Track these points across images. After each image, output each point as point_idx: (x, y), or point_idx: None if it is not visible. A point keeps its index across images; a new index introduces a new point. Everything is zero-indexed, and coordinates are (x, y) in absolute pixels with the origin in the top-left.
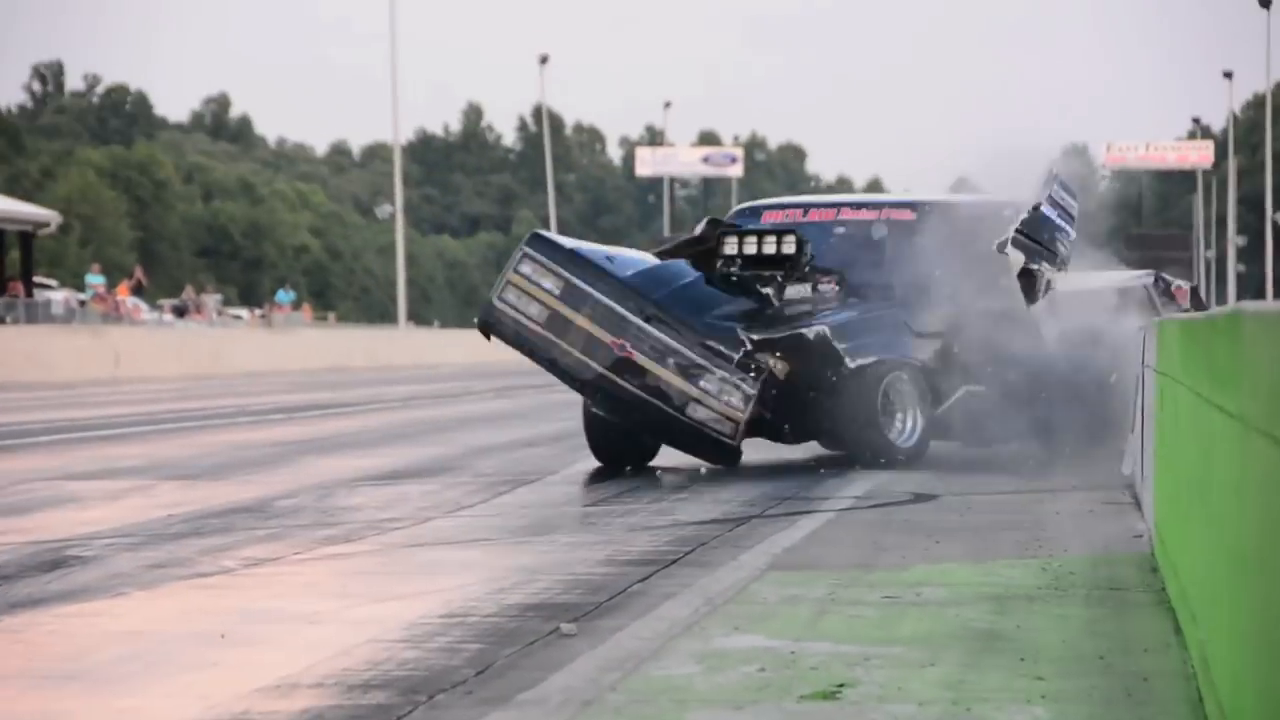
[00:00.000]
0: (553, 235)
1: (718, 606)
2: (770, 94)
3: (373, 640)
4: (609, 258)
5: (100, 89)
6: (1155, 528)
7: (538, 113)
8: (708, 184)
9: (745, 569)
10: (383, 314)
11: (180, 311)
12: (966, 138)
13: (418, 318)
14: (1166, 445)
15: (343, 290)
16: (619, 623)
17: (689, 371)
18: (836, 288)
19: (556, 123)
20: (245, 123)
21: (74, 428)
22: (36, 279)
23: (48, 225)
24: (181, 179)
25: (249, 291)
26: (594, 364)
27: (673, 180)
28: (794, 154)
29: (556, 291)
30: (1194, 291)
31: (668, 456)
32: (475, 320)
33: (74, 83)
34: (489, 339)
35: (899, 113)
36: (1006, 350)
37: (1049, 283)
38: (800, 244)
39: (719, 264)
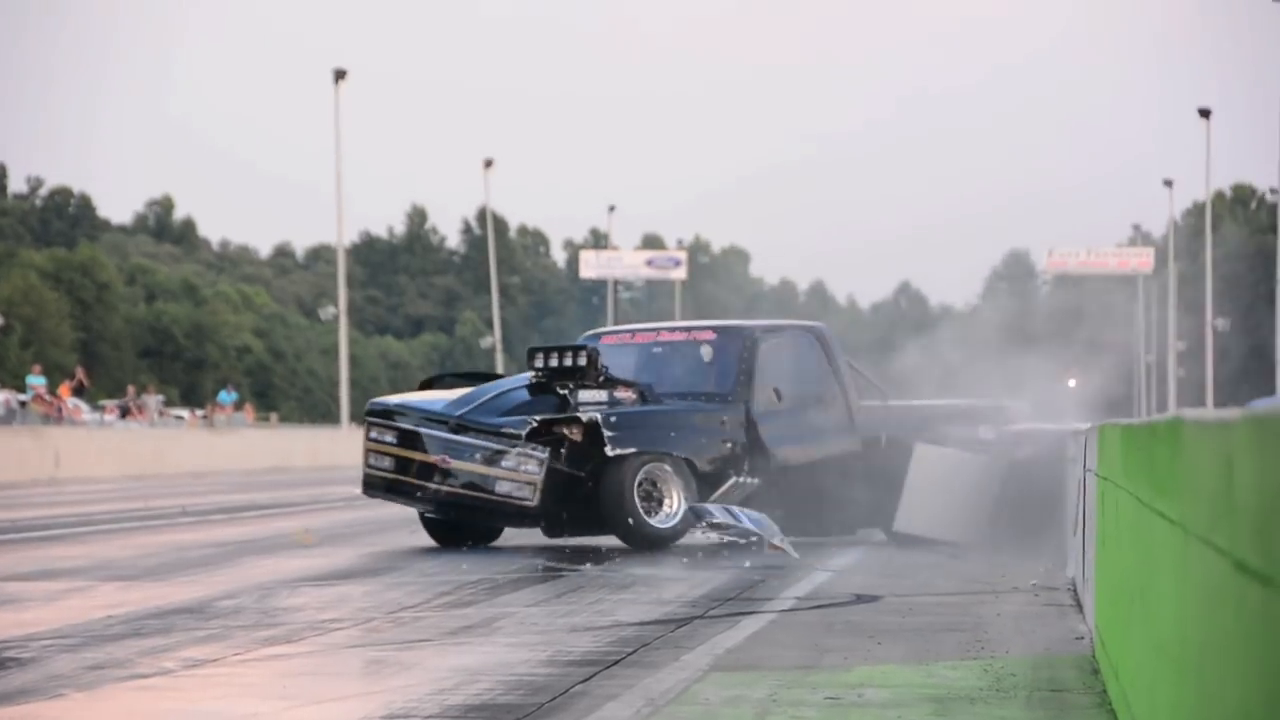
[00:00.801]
0: (383, 400)
1: (660, 707)
2: (714, 198)
3: None
4: (430, 400)
5: (43, 191)
6: (1096, 630)
7: (482, 215)
8: (651, 286)
9: (688, 669)
10: (325, 414)
11: (124, 412)
12: (910, 243)
13: (360, 418)
14: (1107, 549)
15: (285, 390)
16: None
17: (492, 458)
18: (634, 396)
19: (501, 225)
20: (189, 225)
21: (13, 528)
22: None
23: None
24: (124, 280)
25: (191, 392)
26: (431, 486)
27: (616, 282)
28: (737, 257)
29: (394, 440)
30: None
31: (615, 549)
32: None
33: (16, 185)
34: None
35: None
36: (779, 448)
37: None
38: (591, 358)
39: (533, 375)
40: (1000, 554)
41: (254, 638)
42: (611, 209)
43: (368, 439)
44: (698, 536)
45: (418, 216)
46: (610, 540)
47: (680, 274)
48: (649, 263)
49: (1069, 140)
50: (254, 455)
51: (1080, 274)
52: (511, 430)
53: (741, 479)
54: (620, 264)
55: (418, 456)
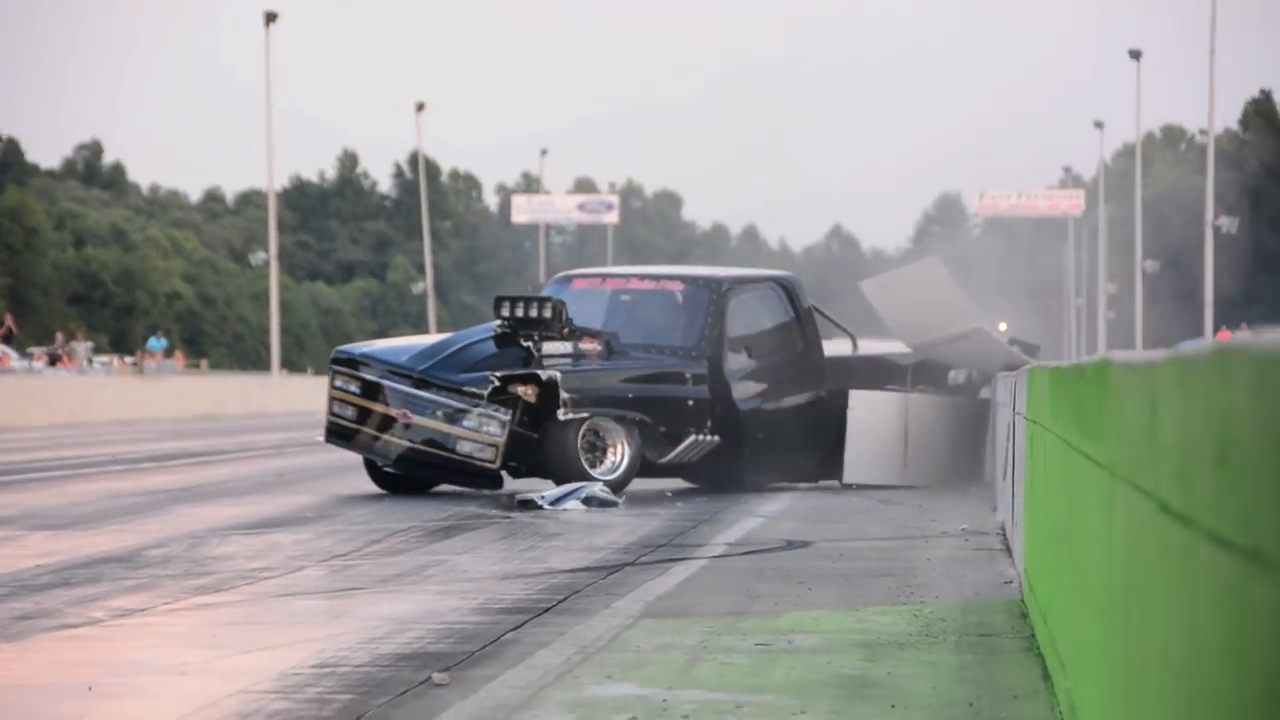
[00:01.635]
0: (348, 347)
1: (590, 655)
2: (647, 141)
3: (242, 691)
4: (395, 349)
5: None
6: (1025, 574)
7: (414, 159)
8: (584, 231)
9: (619, 616)
10: (256, 361)
11: (53, 359)
12: (842, 186)
13: (291, 365)
14: (1036, 492)
15: (216, 337)
16: (491, 672)
17: (454, 416)
18: (599, 347)
19: (433, 169)
20: (118, 169)
21: None
22: None
23: None
24: (53, 226)
25: (121, 339)
26: (393, 439)
27: (549, 227)
28: (670, 201)
29: (357, 390)
30: (1025, 349)
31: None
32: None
33: None
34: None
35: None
36: (746, 403)
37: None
38: (556, 310)
39: (499, 325)
40: (949, 496)
41: (183, 587)
42: (544, 152)
43: (332, 387)
44: (638, 484)
45: (349, 161)
46: (549, 484)
47: (613, 218)
48: (581, 207)
49: (1000, 80)
50: (184, 403)
51: (1011, 217)
52: (473, 389)
53: (701, 436)
54: (552, 208)
55: (379, 409)
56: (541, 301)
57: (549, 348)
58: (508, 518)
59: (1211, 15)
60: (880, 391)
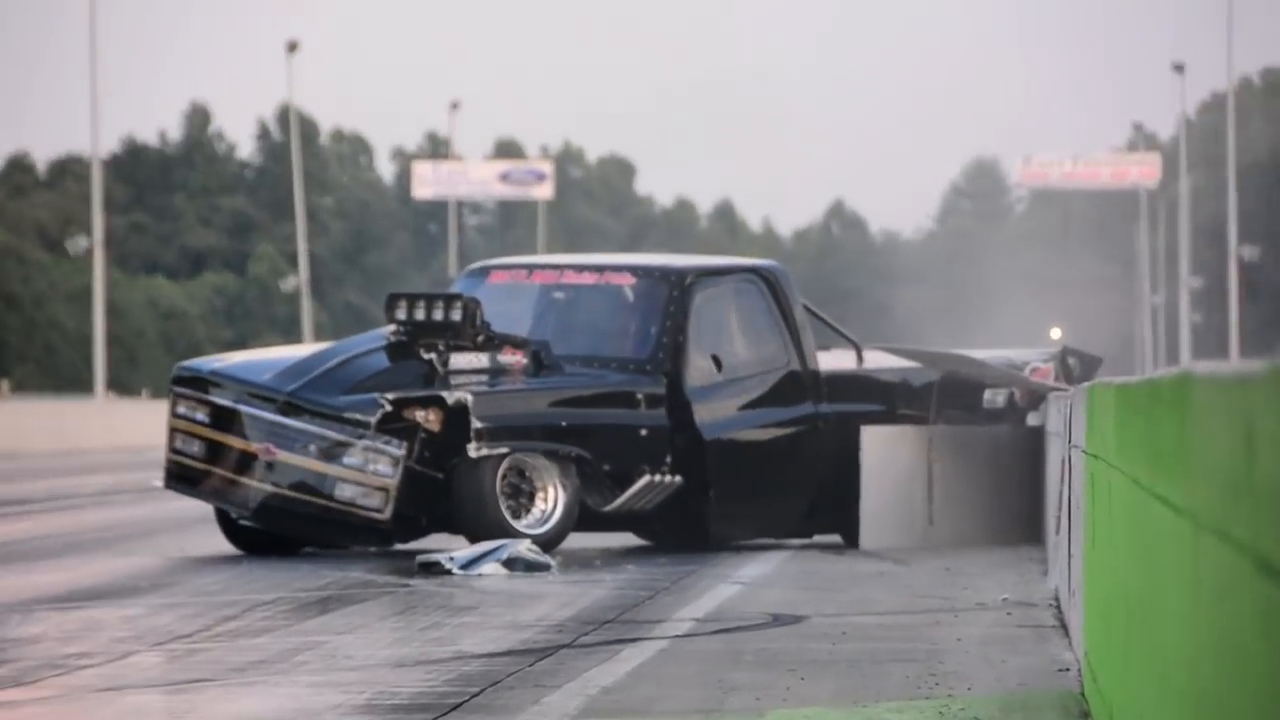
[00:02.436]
0: (195, 363)
1: None
2: (589, 93)
3: None
4: (256, 365)
5: None
6: (1085, 659)
7: (284, 115)
8: (507, 209)
9: (551, 716)
10: (74, 381)
11: None
12: (843, 151)
13: (121, 385)
14: (1099, 549)
15: (20, 350)
16: None
17: (331, 452)
18: (523, 360)
19: (308, 129)
20: None
21: None
22: None
23: None
24: None
25: None
26: (252, 483)
27: (461, 204)
28: (618, 170)
29: (206, 419)
30: (1083, 363)
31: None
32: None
33: None
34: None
35: (758, 120)
36: (716, 433)
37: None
38: (468, 311)
39: (392, 332)
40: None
41: None
42: (454, 106)
43: (173, 415)
44: (576, 540)
45: (198, 118)
46: (462, 540)
47: (545, 191)
48: (504, 177)
49: (1050, 17)
50: None
51: (1065, 189)
52: (357, 415)
53: (658, 477)
54: (466, 179)
55: (235, 443)
56: (449, 301)
57: (458, 361)
58: (405, 586)
59: None
60: (897, 426)
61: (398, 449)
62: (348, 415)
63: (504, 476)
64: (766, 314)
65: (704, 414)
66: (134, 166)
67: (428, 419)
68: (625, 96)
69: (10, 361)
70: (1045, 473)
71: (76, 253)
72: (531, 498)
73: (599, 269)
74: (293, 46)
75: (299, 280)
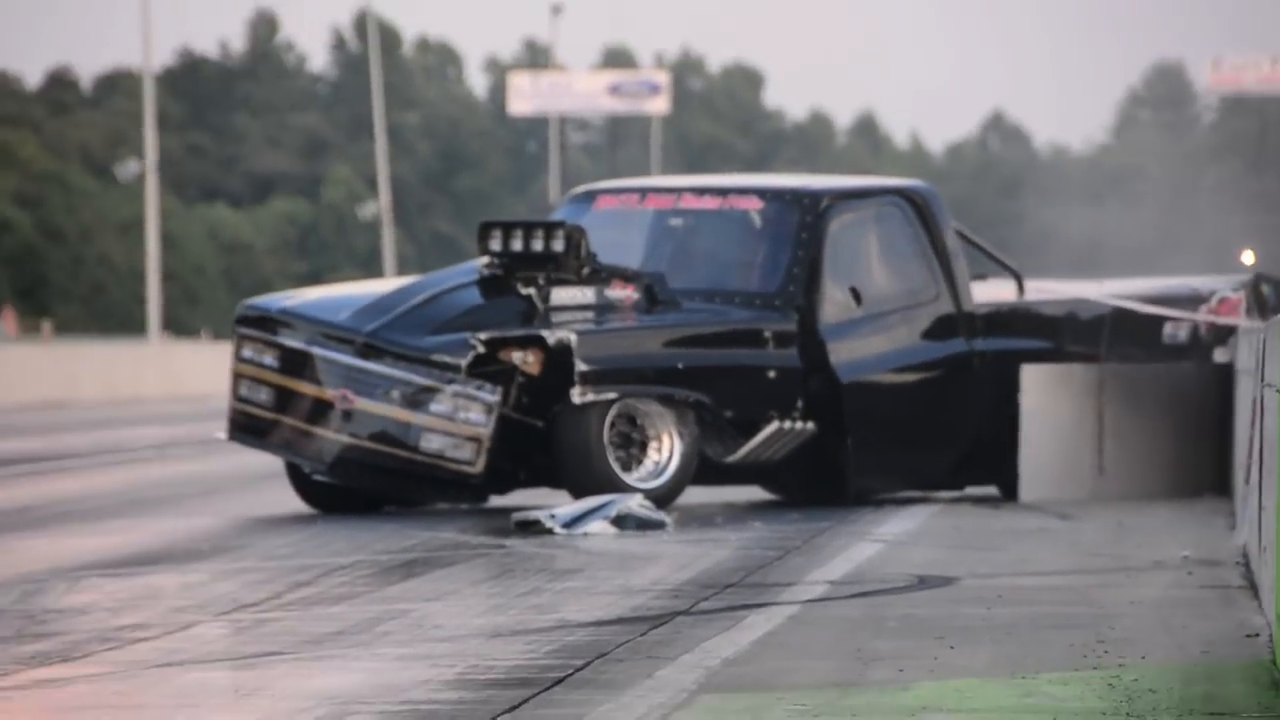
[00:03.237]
0: (262, 300)
1: None
2: None
3: None
4: (331, 303)
5: None
6: (1277, 622)
7: (360, 23)
8: (617, 126)
9: (665, 691)
10: (125, 322)
11: None
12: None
13: (178, 327)
14: None
15: (65, 288)
16: None
17: (416, 399)
18: (634, 294)
19: (389, 37)
20: None
21: None
22: None
23: None
24: None
25: None
26: (328, 434)
27: (565, 121)
28: (745, 80)
29: (275, 363)
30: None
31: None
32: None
33: None
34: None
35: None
36: (855, 374)
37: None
38: (571, 239)
39: (486, 266)
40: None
41: (13, 655)
42: (555, 10)
43: (238, 359)
44: (695, 495)
45: (264, 26)
46: (565, 496)
47: (661, 106)
48: (613, 89)
49: None
50: (18, 384)
51: (1262, 94)
52: (446, 358)
53: (788, 424)
54: (569, 92)
55: (308, 389)
56: (550, 229)
57: (560, 296)
58: (500, 547)
59: None
60: (1063, 364)
61: (491, 394)
62: (435, 357)
63: (612, 425)
64: (913, 241)
65: (841, 353)
66: (191, 81)
67: (526, 361)
68: None
69: (54, 300)
70: (1234, 416)
71: (126, 178)
72: (644, 448)
73: (721, 192)
74: None
75: (379, 207)
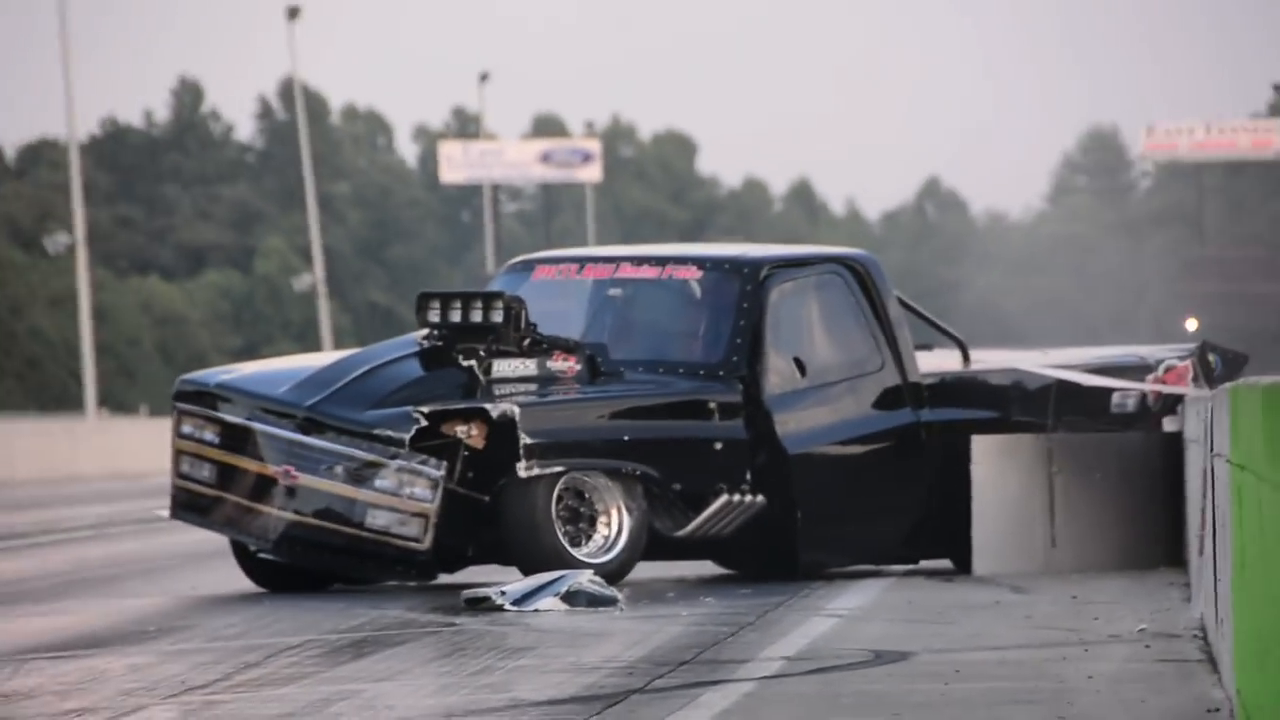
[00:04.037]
0: (200, 375)
1: None
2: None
3: None
4: (271, 376)
5: None
6: (1238, 696)
7: (288, 90)
8: (551, 194)
9: None
10: (61, 397)
11: None
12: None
13: (115, 402)
14: (1250, 574)
15: None
16: None
17: (360, 474)
18: (576, 366)
19: (317, 106)
20: None
21: None
22: None
23: None
24: None
25: None
26: (272, 511)
27: (497, 189)
28: (677, 147)
29: (216, 439)
30: (1225, 360)
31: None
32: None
33: None
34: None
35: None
36: (801, 446)
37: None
38: (511, 311)
39: (425, 337)
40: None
41: None
42: (484, 78)
43: (178, 435)
44: (646, 570)
45: (190, 95)
46: (514, 572)
47: (593, 174)
48: (544, 157)
49: None
50: None
51: (1195, 160)
52: (388, 432)
53: (737, 497)
54: (501, 160)
55: (250, 466)
56: (488, 300)
57: (502, 368)
58: (450, 625)
59: None
60: (1012, 434)
61: (436, 469)
62: (378, 432)
63: (560, 499)
64: (855, 310)
65: (788, 424)
66: (117, 151)
67: (470, 434)
68: (681, 62)
69: None
70: (1186, 485)
71: (56, 251)
72: (592, 523)
73: (660, 261)
74: (294, 12)
75: (314, 278)
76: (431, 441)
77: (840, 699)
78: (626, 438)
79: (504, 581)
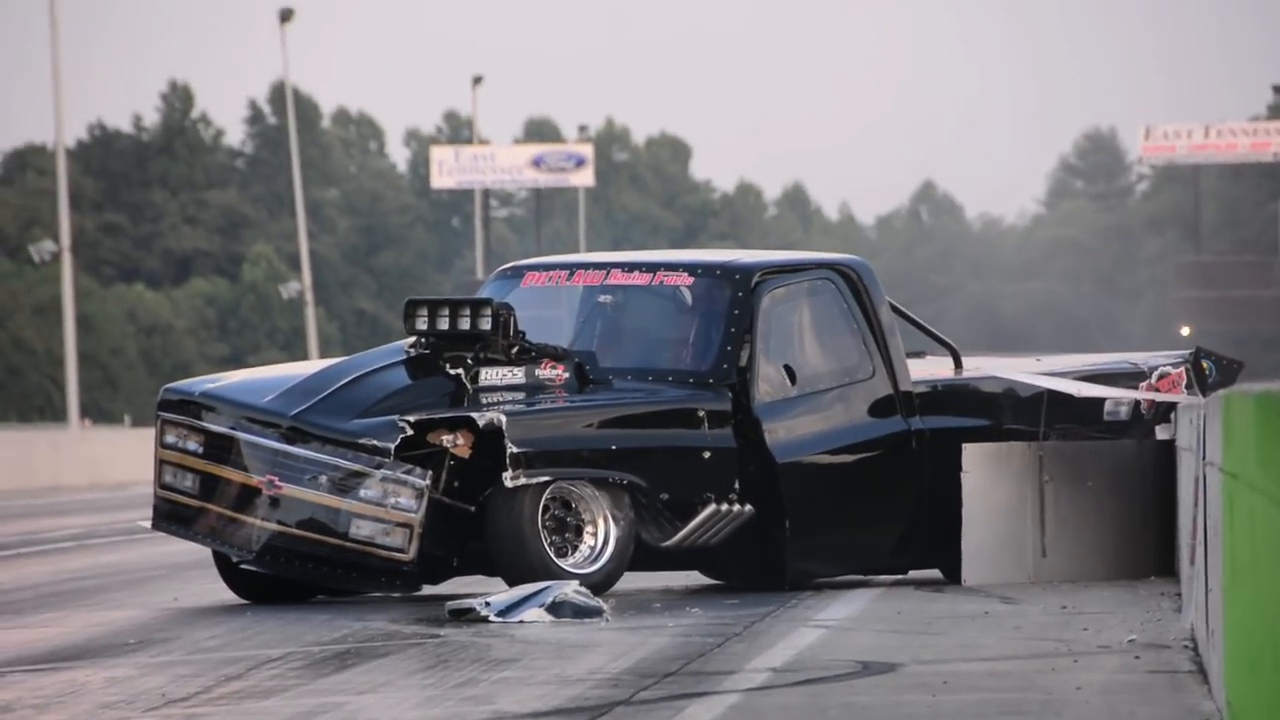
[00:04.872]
0: (185, 384)
1: None
2: (632, 64)
3: None
4: (255, 385)
5: None
6: (1228, 708)
7: (278, 95)
8: (542, 199)
9: None
10: (43, 408)
11: None
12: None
13: (99, 412)
14: (1242, 583)
15: None
16: None
17: (344, 484)
18: (564, 374)
19: (308, 111)
20: None
21: None
22: None
23: None
24: None
25: None
26: (255, 522)
27: (488, 195)
28: (671, 151)
29: (199, 449)
30: (1219, 367)
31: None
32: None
33: None
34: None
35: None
36: (790, 455)
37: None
38: (499, 319)
39: (412, 345)
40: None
41: None
42: (476, 82)
43: (161, 445)
44: (632, 580)
45: (179, 99)
46: (499, 583)
47: (585, 179)
48: (536, 162)
49: None
50: None
51: (1193, 163)
52: (373, 441)
53: (725, 506)
54: (492, 165)
55: (234, 476)
56: (477, 307)
57: (489, 377)
58: (434, 636)
59: None
60: (1003, 443)
61: (421, 479)
62: (363, 441)
63: (546, 509)
64: (847, 317)
65: (777, 433)
66: (105, 157)
67: (456, 444)
68: (674, 66)
69: None
70: (1177, 494)
71: (41, 258)
72: (579, 533)
73: (651, 268)
74: (286, 15)
75: (301, 286)
76: (417, 451)
77: (827, 711)
78: (614, 447)
79: (489, 592)
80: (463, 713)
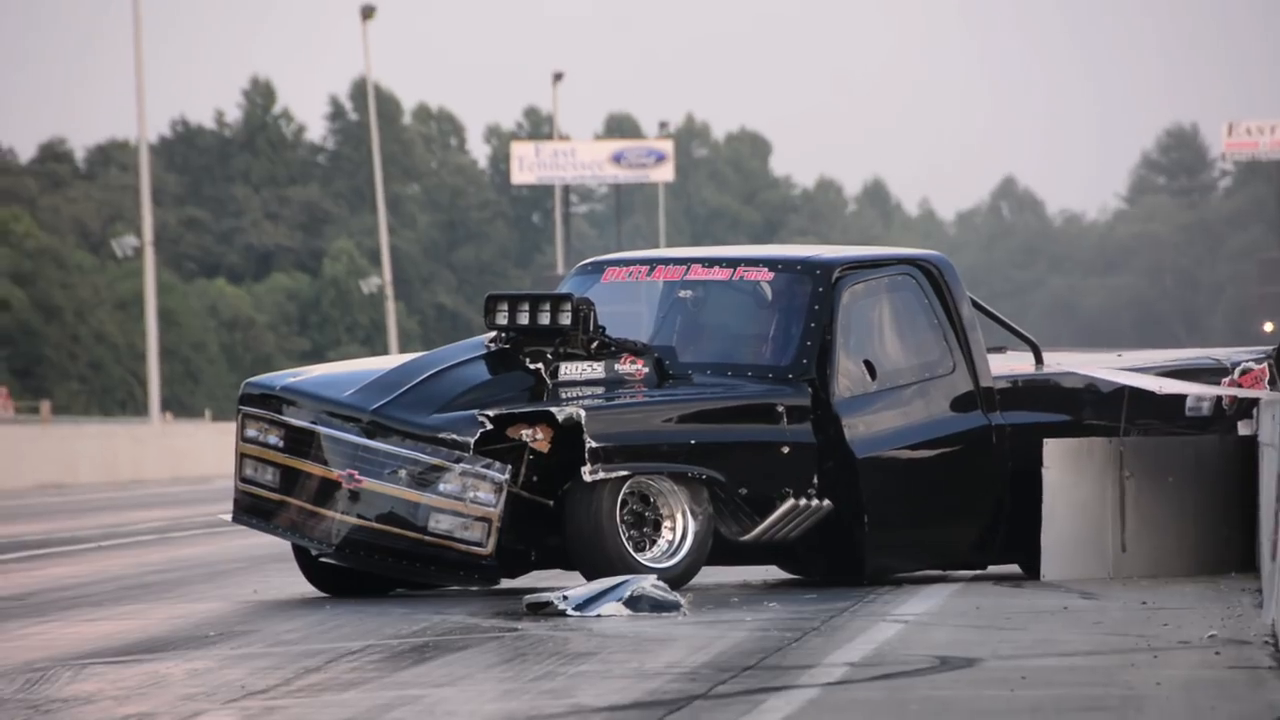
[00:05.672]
0: (266, 379)
1: None
2: (713, 60)
3: None
4: (336, 380)
5: None
6: None
7: (360, 91)
8: (622, 195)
9: None
10: (125, 402)
11: None
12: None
13: (180, 406)
14: None
15: (62, 367)
16: None
17: (423, 478)
18: (644, 369)
19: (389, 107)
20: None
21: None
22: None
23: None
24: None
25: None
26: (335, 515)
27: (568, 190)
28: (751, 147)
29: (280, 443)
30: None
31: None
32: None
33: None
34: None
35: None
36: (870, 450)
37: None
38: (579, 314)
39: (491, 340)
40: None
41: None
42: (557, 78)
43: (242, 439)
44: (710, 575)
45: (261, 96)
46: (577, 577)
47: (665, 174)
48: (617, 158)
49: None
50: (14, 467)
51: (1276, 158)
52: (453, 435)
53: (804, 501)
54: (573, 161)
55: (314, 470)
56: (557, 302)
57: (569, 371)
58: (512, 630)
59: None
60: (1084, 438)
61: (501, 473)
62: (442, 436)
63: (624, 503)
64: (928, 312)
65: (856, 428)
66: (187, 153)
67: (535, 438)
68: (755, 62)
69: (51, 379)
70: (1259, 490)
71: (123, 254)
72: (657, 527)
73: (731, 263)
74: (368, 12)
75: (382, 281)
76: (497, 445)
77: (906, 705)
78: (693, 441)
79: (567, 586)
80: (540, 706)
